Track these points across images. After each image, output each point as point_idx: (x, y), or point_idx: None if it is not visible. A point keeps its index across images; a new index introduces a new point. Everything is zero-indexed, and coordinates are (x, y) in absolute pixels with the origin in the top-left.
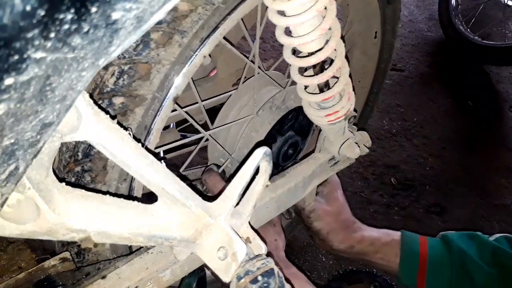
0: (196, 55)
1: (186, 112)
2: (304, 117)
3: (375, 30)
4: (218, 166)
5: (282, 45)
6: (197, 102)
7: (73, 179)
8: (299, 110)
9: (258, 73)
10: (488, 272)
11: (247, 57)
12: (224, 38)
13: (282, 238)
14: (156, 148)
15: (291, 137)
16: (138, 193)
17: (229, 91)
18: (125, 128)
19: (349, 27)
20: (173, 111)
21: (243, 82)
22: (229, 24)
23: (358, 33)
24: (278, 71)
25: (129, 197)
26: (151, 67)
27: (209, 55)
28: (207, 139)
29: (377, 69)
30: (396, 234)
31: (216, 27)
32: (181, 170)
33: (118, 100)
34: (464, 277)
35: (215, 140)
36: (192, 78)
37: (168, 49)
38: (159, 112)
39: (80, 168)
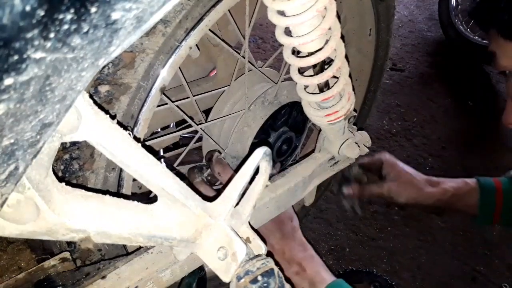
0: (182, 46)
1: (177, 106)
2: (298, 113)
3: (369, 28)
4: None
5: (282, 45)
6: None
7: (62, 167)
8: (292, 105)
9: (250, 69)
10: None
11: (239, 53)
12: (223, 41)
13: (296, 219)
14: (145, 140)
15: (284, 132)
16: (128, 183)
17: (223, 87)
18: (125, 128)
19: (343, 25)
20: (164, 104)
21: (236, 79)
22: (214, 16)
23: (352, 31)
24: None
25: (129, 197)
26: (135, 55)
27: (198, 47)
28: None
29: (374, 67)
30: (472, 182)
31: (201, 19)
32: (175, 165)
33: (103, 88)
34: None
35: (207, 134)
36: (181, 71)
37: (152, 38)
38: (146, 102)
39: (68, 155)
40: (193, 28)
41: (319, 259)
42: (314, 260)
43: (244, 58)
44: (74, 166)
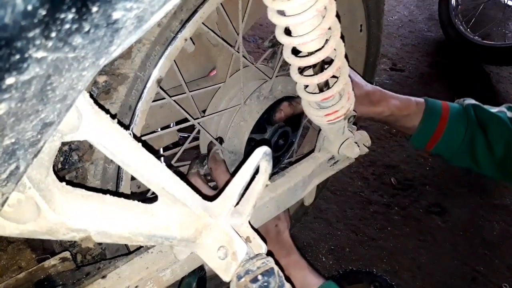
0: (177, 37)
1: (174, 101)
2: None
3: (360, 24)
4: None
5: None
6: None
7: (61, 158)
8: (287, 100)
9: (246, 65)
10: (504, 120)
11: (233, 47)
12: (219, 36)
13: (283, 220)
14: (142, 135)
15: (280, 127)
16: (127, 175)
17: (219, 83)
18: (126, 128)
19: None
20: (161, 99)
21: (231, 75)
22: (208, 8)
23: (344, 27)
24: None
25: (129, 196)
26: (132, 45)
27: (192, 41)
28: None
29: (366, 63)
30: (419, 103)
31: (196, 10)
32: (172, 162)
33: (101, 79)
34: (477, 131)
35: (204, 129)
36: (178, 68)
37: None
38: (143, 93)
39: (67, 147)
40: (188, 19)
41: (305, 262)
42: (298, 265)
43: (238, 52)
44: (74, 157)
